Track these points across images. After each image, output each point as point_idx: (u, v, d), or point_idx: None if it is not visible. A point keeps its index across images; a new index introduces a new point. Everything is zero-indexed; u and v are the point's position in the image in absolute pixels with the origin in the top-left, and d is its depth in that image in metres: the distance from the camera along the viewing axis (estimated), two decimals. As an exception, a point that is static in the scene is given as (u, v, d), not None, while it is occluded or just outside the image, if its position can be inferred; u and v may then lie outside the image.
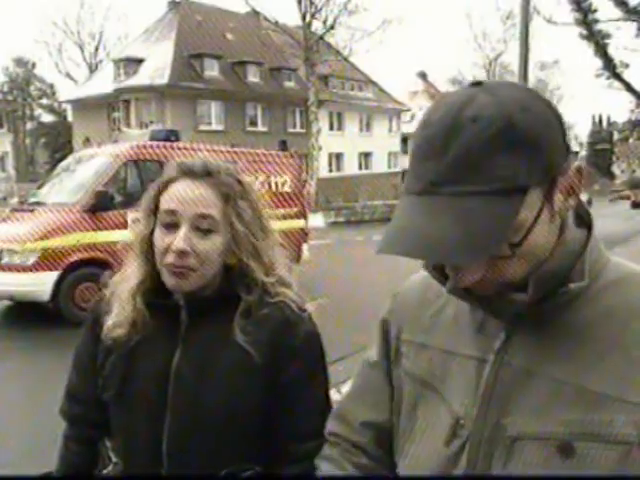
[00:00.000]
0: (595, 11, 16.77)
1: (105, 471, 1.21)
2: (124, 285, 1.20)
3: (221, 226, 1.14)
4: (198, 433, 1.14)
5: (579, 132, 77.48)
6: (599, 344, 0.79)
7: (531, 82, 22.64)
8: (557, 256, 0.81)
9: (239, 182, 1.20)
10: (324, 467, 1.05)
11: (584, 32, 16.99)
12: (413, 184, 0.78)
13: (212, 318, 1.18)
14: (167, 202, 1.14)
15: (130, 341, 1.18)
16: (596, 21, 16.73)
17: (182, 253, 1.10)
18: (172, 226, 1.13)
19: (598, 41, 16.94)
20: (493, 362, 0.85)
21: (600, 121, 74.67)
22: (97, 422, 1.25)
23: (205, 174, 1.16)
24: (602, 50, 17.16)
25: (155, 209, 1.17)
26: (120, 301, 1.19)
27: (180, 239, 1.10)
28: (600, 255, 0.86)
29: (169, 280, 1.13)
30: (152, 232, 1.16)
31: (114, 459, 1.21)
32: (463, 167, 0.74)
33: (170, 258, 1.11)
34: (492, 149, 0.73)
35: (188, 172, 1.16)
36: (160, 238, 1.13)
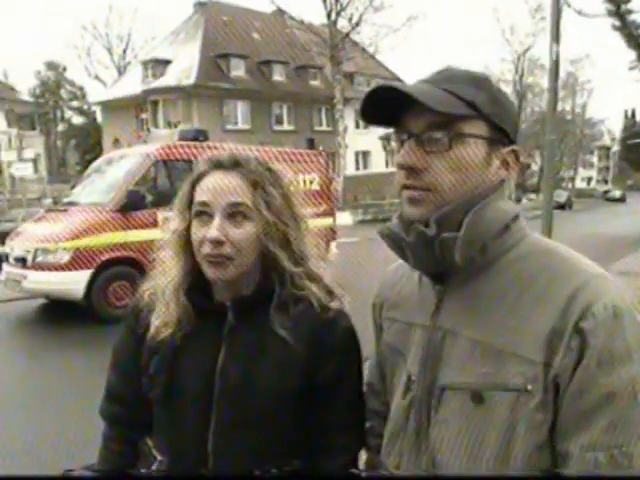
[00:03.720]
0: (629, 1, 16.36)
1: (150, 469, 1.22)
2: (166, 283, 1.20)
3: (254, 214, 1.16)
4: (243, 430, 1.15)
5: (611, 127, 75.78)
6: (503, 308, 0.93)
7: (561, 76, 22.24)
8: (464, 204, 0.94)
9: (269, 170, 1.21)
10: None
11: (617, 23, 16.60)
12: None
13: (256, 314, 1.18)
14: (199, 195, 1.16)
15: (175, 340, 1.18)
16: (630, 12, 16.32)
17: (217, 242, 1.12)
18: (206, 218, 1.14)
19: (632, 32, 16.53)
20: (428, 326, 1.02)
21: (633, 115, 72.92)
22: (137, 422, 1.25)
23: (234, 165, 1.18)
24: (636, 41, 16.74)
25: (190, 204, 1.18)
26: (164, 299, 1.19)
27: (214, 228, 1.12)
28: (518, 230, 0.99)
29: (208, 271, 1.14)
30: (188, 227, 1.17)
31: (158, 457, 1.21)
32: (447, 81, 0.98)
33: (206, 248, 1.13)
34: (468, 81, 0.98)
35: (217, 164, 1.18)
36: (196, 230, 1.15)
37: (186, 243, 1.18)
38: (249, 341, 1.17)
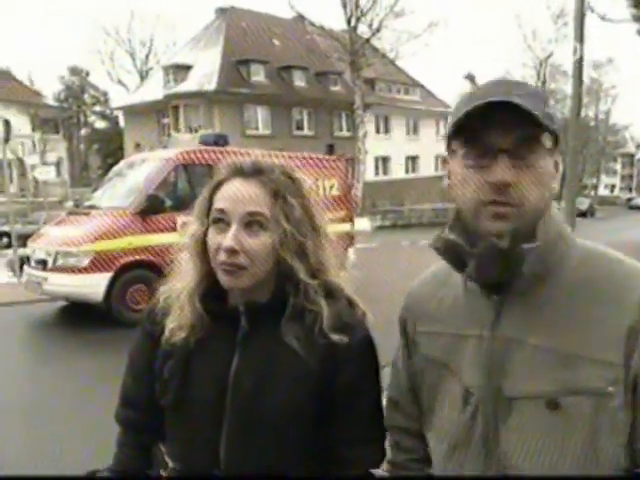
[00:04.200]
0: (654, 6, 16.12)
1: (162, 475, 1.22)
2: (181, 287, 1.20)
3: (271, 224, 1.14)
4: (255, 438, 1.13)
5: (635, 133, 74.67)
6: (571, 313, 0.95)
7: (585, 82, 21.98)
8: (536, 216, 0.96)
9: (291, 179, 1.19)
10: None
11: (642, 29, 16.36)
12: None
13: (269, 323, 1.16)
14: (218, 202, 1.15)
15: (188, 345, 1.17)
16: (655, 17, 16.09)
17: (231, 251, 1.10)
18: (223, 225, 1.13)
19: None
20: (489, 337, 1.01)
21: (657, 121, 71.74)
22: (152, 427, 1.25)
23: (255, 172, 1.16)
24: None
25: (208, 210, 1.17)
26: (179, 303, 1.19)
27: (229, 237, 1.11)
28: (569, 236, 1.02)
29: (223, 278, 1.14)
30: (206, 233, 1.16)
31: (171, 464, 1.21)
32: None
33: (222, 256, 1.12)
34: (531, 93, 0.97)
35: (238, 171, 1.17)
36: (213, 237, 1.14)
37: (203, 248, 1.17)
38: (263, 350, 1.16)
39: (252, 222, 1.13)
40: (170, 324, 1.19)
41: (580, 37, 9.05)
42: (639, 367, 0.89)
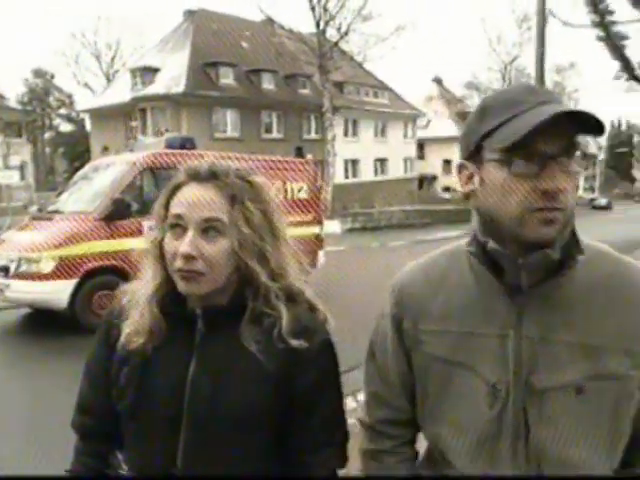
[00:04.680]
0: (612, 13, 16.56)
1: None
2: (141, 292, 1.19)
3: (229, 229, 1.13)
4: (213, 444, 1.13)
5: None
6: (593, 309, 1.04)
7: (548, 85, 22.41)
8: (571, 223, 1.04)
9: (249, 183, 1.18)
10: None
11: (601, 34, 16.79)
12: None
13: (227, 326, 1.16)
14: (174, 207, 1.14)
15: (146, 350, 1.16)
16: (613, 23, 16.52)
17: (188, 257, 1.09)
18: (180, 230, 1.12)
19: (616, 43, 16.73)
20: (514, 336, 1.05)
21: (619, 124, 73.85)
22: (108, 435, 1.23)
23: (211, 177, 1.15)
24: (620, 52, 16.94)
25: (165, 215, 1.16)
26: (137, 309, 1.17)
27: (185, 243, 1.10)
28: (580, 240, 1.06)
29: (180, 285, 1.13)
30: (164, 238, 1.15)
31: (126, 471, 1.19)
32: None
33: (178, 263, 1.11)
34: (558, 100, 1.03)
35: (194, 176, 1.16)
36: (169, 243, 1.13)
37: (161, 254, 1.16)
38: (220, 353, 1.15)
39: (209, 228, 1.12)
40: (127, 329, 1.17)
41: (542, 41, 9.25)
42: None
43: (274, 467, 1.18)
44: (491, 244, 1.03)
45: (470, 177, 1.06)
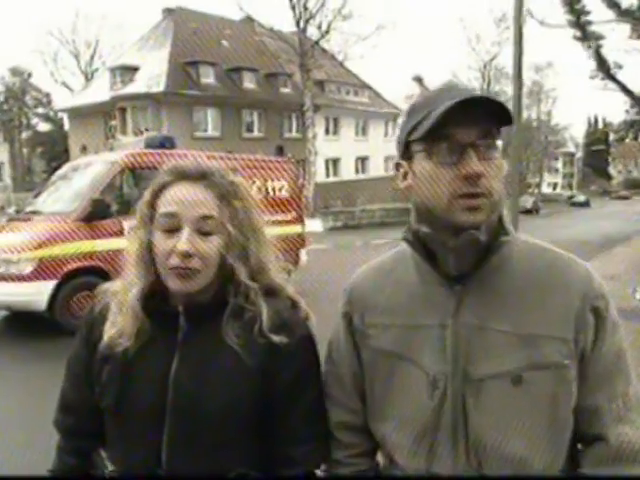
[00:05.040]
0: (588, 13, 16.81)
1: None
2: (122, 294, 1.18)
3: (219, 227, 1.15)
4: (197, 439, 1.14)
5: (575, 133, 77.52)
6: (526, 299, 1.06)
7: (526, 84, 22.64)
8: (498, 209, 1.07)
9: (231, 183, 1.21)
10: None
11: (578, 34, 17.04)
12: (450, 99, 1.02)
13: (209, 323, 1.17)
14: (166, 205, 1.15)
15: (128, 348, 1.16)
16: (589, 23, 16.77)
17: (186, 255, 1.11)
18: (173, 229, 1.13)
19: (591, 43, 16.98)
20: (452, 325, 1.08)
21: (596, 122, 74.88)
22: (91, 433, 1.24)
23: (201, 176, 1.17)
24: (596, 51, 17.20)
25: (151, 215, 1.16)
26: (122, 310, 1.17)
27: (183, 241, 1.11)
28: (513, 231, 1.10)
29: (174, 283, 1.13)
30: (150, 238, 1.16)
31: (110, 468, 1.20)
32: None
33: (174, 261, 1.12)
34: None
35: (183, 175, 1.17)
36: (161, 242, 1.13)
37: (147, 254, 1.16)
38: (203, 350, 1.16)
39: (203, 226, 1.14)
40: (110, 330, 1.17)
41: (519, 41, 9.34)
42: (584, 342, 1.04)
43: (257, 461, 1.19)
44: (423, 228, 1.08)
45: (405, 174, 1.12)
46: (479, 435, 1.05)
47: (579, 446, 1.10)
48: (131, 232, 1.21)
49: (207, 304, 1.18)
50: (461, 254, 1.05)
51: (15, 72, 47.54)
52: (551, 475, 1.05)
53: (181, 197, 1.14)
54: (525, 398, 1.03)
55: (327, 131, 37.51)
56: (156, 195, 1.17)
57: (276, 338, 1.16)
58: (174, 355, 1.16)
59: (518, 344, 1.04)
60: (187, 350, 1.16)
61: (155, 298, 1.18)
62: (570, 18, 16.70)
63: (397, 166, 1.15)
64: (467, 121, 1.01)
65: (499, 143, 1.05)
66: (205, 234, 1.14)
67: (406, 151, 1.11)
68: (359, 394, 1.21)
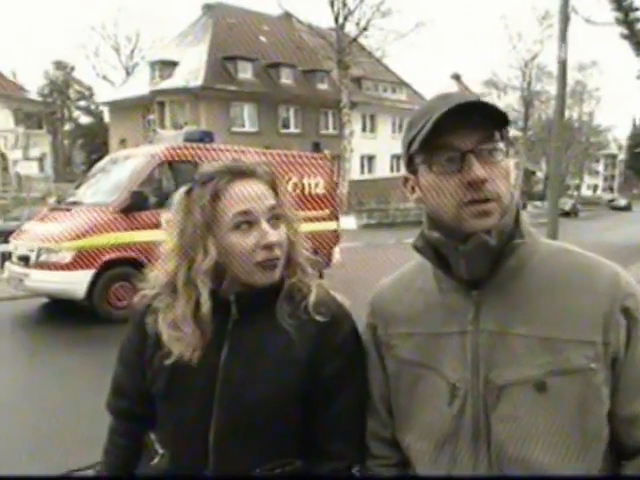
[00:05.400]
0: (637, 9, 16.31)
1: (152, 463, 1.23)
2: (185, 304, 1.17)
3: (281, 216, 1.21)
4: (243, 426, 1.16)
5: (618, 135, 75.53)
6: (548, 303, 1.02)
7: (569, 83, 22.13)
8: (509, 211, 1.04)
9: (274, 176, 1.26)
10: None
11: (625, 32, 16.55)
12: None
13: (261, 309, 1.20)
14: (236, 205, 1.15)
15: None
16: (638, 20, 16.28)
17: (275, 246, 1.15)
18: (246, 226, 1.16)
19: (639, 41, 16.48)
20: (472, 332, 1.05)
21: (640, 123, 72.67)
22: (142, 416, 1.28)
23: (253, 172, 1.20)
24: (644, 50, 16.68)
25: (213, 217, 1.15)
26: (187, 324, 1.17)
27: (271, 234, 1.15)
28: (534, 233, 1.09)
29: (261, 277, 1.17)
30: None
31: (160, 450, 1.22)
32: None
33: (261, 255, 1.15)
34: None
35: (239, 174, 1.19)
36: (241, 241, 1.15)
37: (219, 263, 1.16)
38: (253, 337, 1.18)
39: (272, 216, 1.18)
40: (178, 346, 1.16)
41: (564, 39, 9.13)
42: (616, 345, 0.99)
43: (300, 450, 1.20)
44: (434, 234, 1.06)
45: (413, 187, 1.11)
46: (501, 445, 1.01)
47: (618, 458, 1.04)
48: (176, 240, 1.19)
49: (259, 291, 1.19)
50: (472, 259, 1.02)
51: (59, 66, 48.66)
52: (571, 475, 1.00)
53: (248, 194, 1.16)
54: (549, 405, 0.98)
55: (364, 128, 37.42)
56: (218, 197, 1.16)
57: (325, 327, 1.18)
58: (224, 342, 1.18)
59: (540, 349, 1.00)
60: (237, 339, 1.18)
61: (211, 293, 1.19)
62: (618, 15, 16.23)
63: (405, 180, 1.14)
64: (464, 128, 1.00)
65: (501, 146, 1.03)
66: (275, 224, 1.18)
67: (410, 164, 1.10)
68: (386, 405, 1.20)
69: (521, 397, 1.00)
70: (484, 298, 1.06)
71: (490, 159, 1.01)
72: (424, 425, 1.10)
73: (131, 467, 1.29)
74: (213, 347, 1.18)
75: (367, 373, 1.23)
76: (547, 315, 1.02)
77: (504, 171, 1.02)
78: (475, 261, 1.02)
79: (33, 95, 41.49)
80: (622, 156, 76.02)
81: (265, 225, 1.16)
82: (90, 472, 1.30)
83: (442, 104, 1.01)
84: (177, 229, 1.19)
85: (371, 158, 38.44)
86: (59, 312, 7.82)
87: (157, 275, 1.24)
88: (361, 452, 1.22)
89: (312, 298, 1.20)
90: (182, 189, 1.22)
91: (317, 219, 8.93)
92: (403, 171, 1.15)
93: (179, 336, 1.17)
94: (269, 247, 1.15)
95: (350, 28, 29.00)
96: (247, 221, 1.16)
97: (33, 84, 49.04)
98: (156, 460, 1.22)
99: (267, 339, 1.18)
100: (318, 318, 1.18)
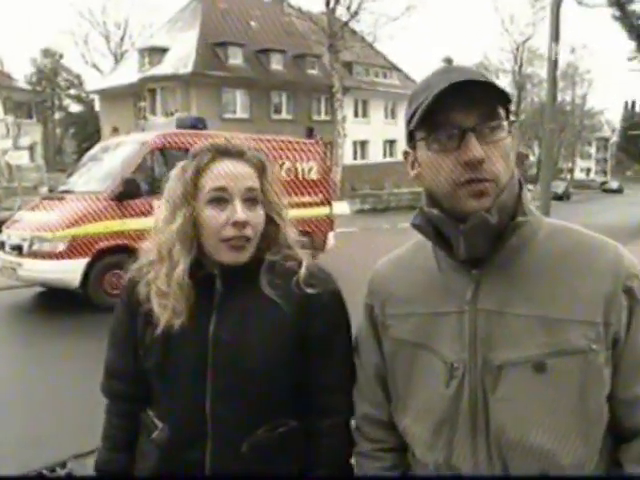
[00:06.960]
0: (629, -9, 16.23)
1: (152, 436, 1.26)
2: (168, 271, 1.21)
3: (261, 198, 1.23)
4: (239, 392, 1.20)
5: (610, 117, 75.57)
6: (549, 282, 1.01)
7: (561, 66, 22.08)
8: (509, 189, 1.02)
9: (264, 160, 1.29)
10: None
11: (617, 13, 16.49)
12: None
13: (244, 281, 1.24)
14: (214, 180, 1.20)
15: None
16: (630, 1, 16.21)
17: (243, 224, 1.18)
18: (223, 203, 1.19)
19: (632, 22, 16.43)
20: (469, 311, 1.04)
21: (633, 106, 72.80)
22: (137, 396, 1.32)
23: (240, 153, 1.24)
24: (636, 32, 16.64)
25: (194, 192, 1.20)
26: (169, 289, 1.20)
27: (240, 212, 1.18)
28: (535, 211, 1.07)
29: (227, 255, 1.19)
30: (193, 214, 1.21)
31: (159, 425, 1.26)
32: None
33: (230, 232, 1.18)
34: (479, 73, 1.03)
35: (225, 152, 1.23)
36: (213, 215, 1.19)
37: (192, 230, 1.21)
38: (239, 306, 1.23)
39: (250, 197, 1.21)
40: (164, 313, 1.20)
41: (556, 21, 9.10)
42: (617, 326, 0.98)
43: (295, 408, 1.26)
44: (434, 211, 1.04)
45: (413, 162, 1.10)
46: (500, 427, 0.99)
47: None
48: (164, 211, 1.23)
49: (242, 265, 1.22)
50: (472, 237, 1.00)
51: (47, 54, 48.05)
52: (582, 475, 0.99)
53: (228, 172, 1.20)
54: (549, 387, 0.97)
55: (356, 113, 37.22)
56: (199, 173, 1.21)
57: (311, 290, 1.23)
58: (211, 316, 1.22)
59: (540, 329, 0.98)
60: (224, 310, 1.22)
61: (194, 268, 1.22)
62: (609, -4, 16.16)
63: (405, 154, 1.13)
64: (465, 104, 0.97)
65: (505, 123, 1.00)
66: (251, 205, 1.21)
67: (411, 139, 1.08)
68: (382, 387, 1.20)
69: (519, 378, 0.99)
70: (484, 277, 1.04)
71: (491, 137, 0.98)
72: (421, 407, 1.09)
73: (131, 446, 1.32)
74: (202, 318, 1.22)
75: (363, 354, 1.24)
76: (548, 295, 1.00)
77: (503, 150, 1.00)
78: (474, 240, 1.00)
79: (21, 84, 41.03)
80: (614, 139, 76.13)
81: (238, 203, 1.19)
82: (91, 458, 1.31)
83: (444, 78, 0.98)
84: (165, 198, 1.24)
85: (364, 143, 38.29)
86: (53, 301, 7.81)
87: (147, 246, 1.28)
88: (352, 407, 1.27)
89: (303, 271, 1.25)
90: (180, 163, 1.27)
91: (310, 204, 8.93)
92: (399, 155, 1.15)
93: (165, 304, 1.21)
94: (238, 224, 1.17)
95: (341, 12, 28.76)
96: (222, 197, 1.19)
97: (20, 73, 48.52)
98: (155, 433, 1.25)
99: (254, 307, 1.23)
100: (309, 291, 1.22)
